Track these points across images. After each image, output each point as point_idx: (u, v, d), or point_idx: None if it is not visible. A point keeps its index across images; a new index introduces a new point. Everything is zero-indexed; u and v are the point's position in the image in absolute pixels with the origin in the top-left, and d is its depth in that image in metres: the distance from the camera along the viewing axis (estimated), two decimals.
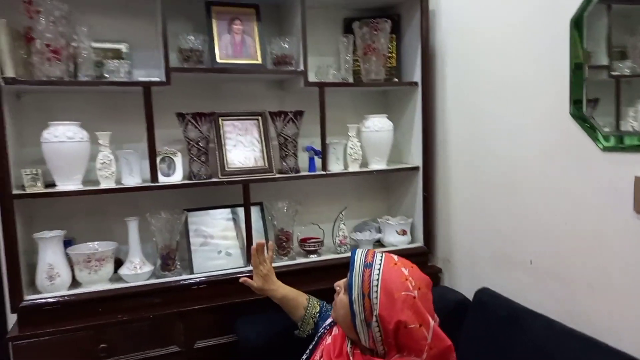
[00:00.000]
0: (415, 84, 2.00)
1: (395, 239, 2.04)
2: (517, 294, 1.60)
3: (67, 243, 1.75)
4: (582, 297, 1.40)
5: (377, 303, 1.15)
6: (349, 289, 1.19)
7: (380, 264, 1.19)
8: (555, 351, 1.34)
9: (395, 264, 1.20)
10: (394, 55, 2.10)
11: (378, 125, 1.98)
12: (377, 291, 1.15)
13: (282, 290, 1.58)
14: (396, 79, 2.09)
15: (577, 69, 1.36)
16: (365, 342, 1.19)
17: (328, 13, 2.10)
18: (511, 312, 1.54)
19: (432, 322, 1.14)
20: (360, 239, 2.04)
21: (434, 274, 2.02)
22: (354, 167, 1.98)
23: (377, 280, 1.16)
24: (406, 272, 1.18)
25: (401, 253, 1.89)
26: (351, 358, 1.21)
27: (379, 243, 2.10)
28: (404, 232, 2.05)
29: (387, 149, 2.03)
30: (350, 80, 2.03)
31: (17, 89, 1.66)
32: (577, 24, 1.34)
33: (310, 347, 1.41)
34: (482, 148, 1.77)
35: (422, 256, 2.04)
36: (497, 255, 1.72)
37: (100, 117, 1.81)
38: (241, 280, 1.60)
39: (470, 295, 1.70)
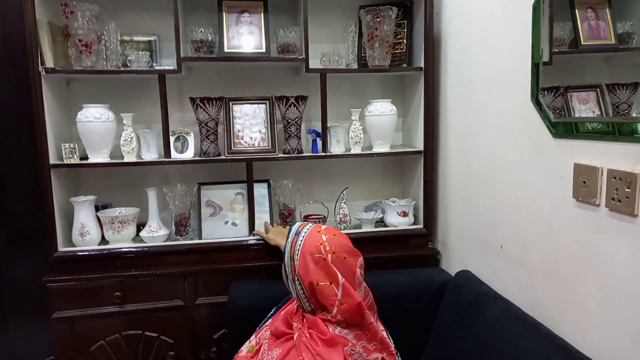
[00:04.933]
0: (420, 69, 2.02)
1: (396, 220, 2.10)
2: (491, 278, 1.64)
3: (104, 207, 2.06)
4: (537, 284, 1.41)
5: (297, 264, 1.29)
6: (282, 254, 1.35)
7: (306, 232, 1.33)
8: (505, 334, 1.37)
9: (319, 232, 1.32)
10: (404, 41, 2.13)
11: (380, 109, 2.03)
12: (298, 254, 1.30)
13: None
14: (406, 65, 2.12)
15: (535, 56, 1.34)
16: (296, 299, 1.34)
17: (343, 0, 2.17)
18: (478, 295, 1.58)
19: (341, 280, 1.25)
20: (362, 217, 2.12)
21: (433, 256, 2.07)
22: (355, 150, 2.05)
23: (300, 245, 1.31)
24: (324, 238, 1.30)
25: (402, 234, 2.06)
26: (294, 314, 1.36)
27: (381, 223, 2.17)
28: (404, 214, 2.10)
29: (389, 133, 2.07)
30: (356, 66, 2.10)
31: (65, 77, 1.98)
32: (536, 9, 1.32)
33: (279, 304, 1.57)
34: (470, 136, 1.78)
35: (422, 238, 2.08)
36: (479, 240, 1.74)
37: (126, 101, 2.06)
38: (255, 232, 1.90)
39: None
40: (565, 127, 1.26)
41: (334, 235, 1.33)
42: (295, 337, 1.26)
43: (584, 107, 1.36)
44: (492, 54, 1.62)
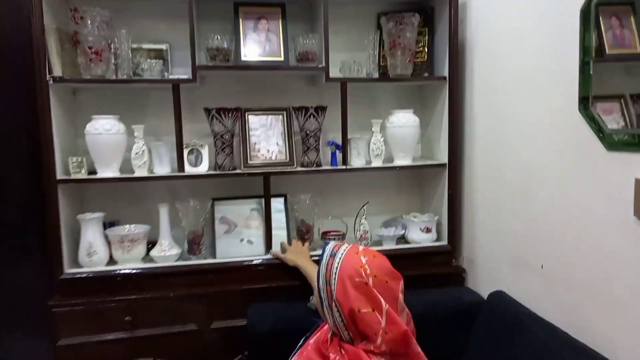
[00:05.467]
0: (444, 78, 1.96)
1: (419, 237, 2.02)
2: (529, 299, 1.55)
3: (111, 225, 1.95)
4: (586, 307, 1.32)
5: (334, 289, 1.20)
6: (317, 277, 1.26)
7: (343, 253, 1.25)
8: None
9: (357, 253, 1.24)
10: (425, 49, 2.07)
11: (402, 120, 1.97)
12: (335, 277, 1.21)
13: (308, 267, 1.73)
14: (427, 74, 2.05)
15: (585, 64, 1.27)
16: (333, 327, 1.24)
17: (361, 8, 2.11)
18: (517, 318, 1.50)
19: (385, 306, 1.17)
20: (383, 234, 2.04)
21: (458, 274, 2.00)
22: (376, 163, 1.99)
23: (337, 267, 1.22)
24: (364, 261, 1.21)
25: (425, 251, 2.00)
26: (329, 343, 1.26)
27: (403, 240, 2.09)
28: (428, 230, 2.02)
29: (412, 145, 2.02)
30: (376, 75, 2.03)
31: (72, 87, 1.88)
32: (585, 14, 1.25)
33: (308, 334, 1.46)
34: (502, 147, 1.71)
35: (446, 255, 2.02)
36: (513, 258, 1.66)
37: (137, 112, 1.97)
38: (272, 252, 1.87)
39: None
40: (624, 139, 1.18)
41: (374, 257, 1.25)
42: None
43: (609, 117, 1.30)
44: (527, 61, 1.55)
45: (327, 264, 1.25)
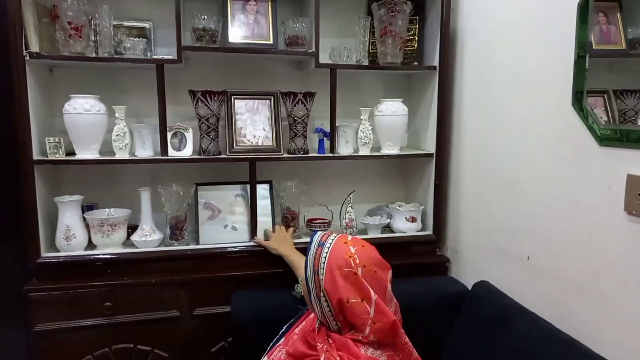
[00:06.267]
0: (434, 68, 1.95)
1: (404, 226, 2.02)
2: (514, 290, 1.56)
3: (89, 208, 1.90)
4: (571, 299, 1.33)
5: (322, 279, 1.19)
6: (304, 267, 1.25)
7: (331, 243, 1.24)
8: (537, 352, 1.30)
9: (345, 243, 1.23)
10: (415, 38, 2.05)
11: (391, 109, 1.95)
12: (323, 267, 1.20)
13: (292, 257, 1.71)
14: (417, 63, 2.04)
15: (580, 58, 1.26)
16: (320, 317, 1.23)
17: None
18: (502, 308, 1.51)
19: (374, 296, 1.17)
20: (368, 222, 2.03)
21: (442, 264, 2.01)
22: (364, 151, 1.98)
23: (325, 257, 1.21)
24: (352, 250, 1.21)
25: (410, 240, 2.00)
26: (316, 332, 1.25)
27: (388, 229, 2.09)
28: (413, 219, 2.02)
29: (400, 134, 2.01)
30: (366, 62, 2.01)
31: (48, 63, 1.80)
32: (582, 8, 1.24)
33: (292, 320, 1.47)
34: (491, 139, 1.71)
35: (430, 244, 2.02)
36: (498, 249, 1.67)
37: (117, 92, 1.92)
38: (255, 240, 1.83)
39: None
40: (616, 135, 1.18)
41: (363, 246, 1.24)
42: (322, 359, 1.14)
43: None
44: (520, 54, 1.54)
45: (315, 253, 1.24)
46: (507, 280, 1.61)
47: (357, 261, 1.19)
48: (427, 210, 2.06)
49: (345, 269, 1.18)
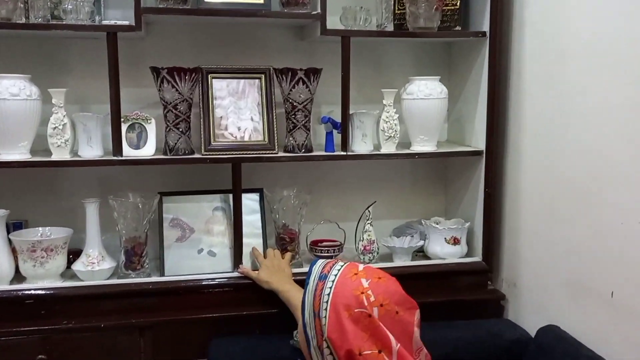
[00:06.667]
0: (483, 34, 1.96)
1: (443, 250, 2.02)
2: (593, 337, 1.58)
3: (17, 227, 1.93)
4: None
5: (325, 324, 1.21)
6: (301, 308, 1.27)
7: (336, 275, 1.25)
8: None
9: (356, 274, 1.25)
10: None
11: (425, 90, 1.95)
12: (326, 308, 1.22)
13: (290, 292, 1.71)
14: (459, 28, 2.04)
15: None
16: None
17: None
18: None
19: (395, 346, 1.18)
20: (394, 245, 2.04)
21: (495, 302, 2.03)
22: (388, 148, 1.98)
23: (329, 294, 1.23)
24: (365, 284, 1.22)
25: (451, 270, 2.02)
26: None
27: (421, 254, 2.10)
28: (455, 241, 2.02)
29: (436, 125, 2.02)
30: (391, 28, 2.02)
31: None
32: None
33: None
34: (562, 134, 1.72)
35: (479, 275, 2.04)
36: (572, 281, 1.68)
37: (56, 71, 1.94)
38: (240, 270, 1.84)
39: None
40: None
41: (379, 278, 1.26)
42: None
43: None
44: (603, 19, 1.54)
45: (315, 290, 1.26)
46: (585, 324, 1.61)
47: (372, 298, 1.20)
48: (474, 228, 2.06)
49: (356, 310, 1.19)
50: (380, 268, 1.86)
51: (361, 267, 1.27)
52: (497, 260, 2.03)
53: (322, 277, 1.26)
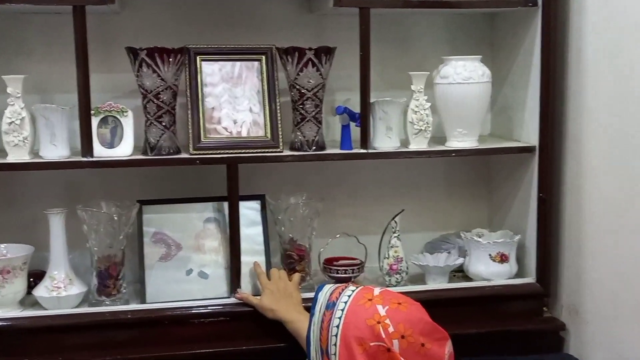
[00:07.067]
0: (534, 3, 1.95)
1: (488, 269, 2.02)
2: None
3: None
4: None
5: None
6: (306, 344, 1.32)
7: (346, 302, 1.28)
8: None
9: (370, 300, 1.27)
10: None
11: (463, 73, 1.96)
12: (335, 343, 1.25)
13: (299, 322, 1.69)
14: None
15: None
16: None
17: None
18: None
19: None
20: (428, 264, 2.04)
21: (553, 333, 2.03)
22: (418, 144, 1.98)
23: (338, 326, 1.25)
24: (382, 311, 1.24)
25: (498, 294, 2.05)
26: None
27: (460, 274, 2.11)
28: (503, 258, 2.02)
29: (478, 115, 2.03)
30: None
31: None
32: None
33: None
34: (636, 125, 1.70)
35: (533, 300, 2.04)
36: None
37: (11, 53, 1.97)
38: (238, 295, 1.86)
39: None
40: None
41: (399, 304, 1.27)
42: None
43: None
44: None
45: (322, 321, 1.30)
46: None
47: (391, 329, 1.22)
48: (525, 243, 2.07)
49: (372, 344, 1.21)
50: (410, 292, 1.88)
51: (377, 290, 1.30)
52: (554, 282, 2.03)
53: (330, 306, 1.29)
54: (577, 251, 1.94)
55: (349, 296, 1.29)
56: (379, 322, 1.22)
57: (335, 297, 1.31)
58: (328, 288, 1.35)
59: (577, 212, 1.94)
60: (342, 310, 1.27)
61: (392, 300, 1.27)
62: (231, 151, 1.87)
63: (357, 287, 1.32)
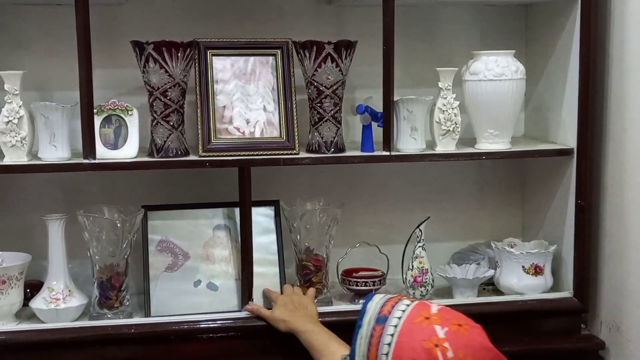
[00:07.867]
0: None
1: (520, 282, 2.00)
2: None
3: None
4: None
5: None
6: (350, 356, 1.28)
7: (399, 318, 1.24)
8: None
9: (427, 318, 1.24)
10: None
11: (495, 69, 1.93)
12: None
13: (315, 334, 1.72)
14: None
15: None
16: None
17: None
18: None
19: None
20: (455, 276, 2.03)
21: (593, 352, 2.02)
22: (446, 146, 1.98)
23: (390, 344, 1.22)
24: (441, 333, 1.21)
25: (532, 309, 2.00)
26: None
27: (491, 287, 2.09)
28: (537, 271, 2.00)
29: (511, 115, 2.00)
30: None
31: None
32: None
33: None
34: None
35: (570, 316, 2.03)
36: None
37: (8, 47, 1.98)
38: (249, 308, 1.87)
39: None
40: None
41: (460, 326, 1.23)
42: None
43: None
44: None
45: (371, 336, 1.26)
46: None
47: (450, 354, 1.19)
48: (562, 254, 2.06)
49: None
50: None
51: (435, 308, 1.26)
52: (593, 297, 2.01)
53: (381, 320, 1.26)
54: (619, 263, 1.91)
55: (403, 311, 1.27)
56: (437, 346, 1.19)
57: (388, 310, 1.28)
58: (379, 299, 1.32)
59: (618, 220, 1.92)
60: (395, 326, 1.24)
61: (452, 321, 1.24)
62: (243, 153, 1.86)
63: (411, 302, 1.29)
